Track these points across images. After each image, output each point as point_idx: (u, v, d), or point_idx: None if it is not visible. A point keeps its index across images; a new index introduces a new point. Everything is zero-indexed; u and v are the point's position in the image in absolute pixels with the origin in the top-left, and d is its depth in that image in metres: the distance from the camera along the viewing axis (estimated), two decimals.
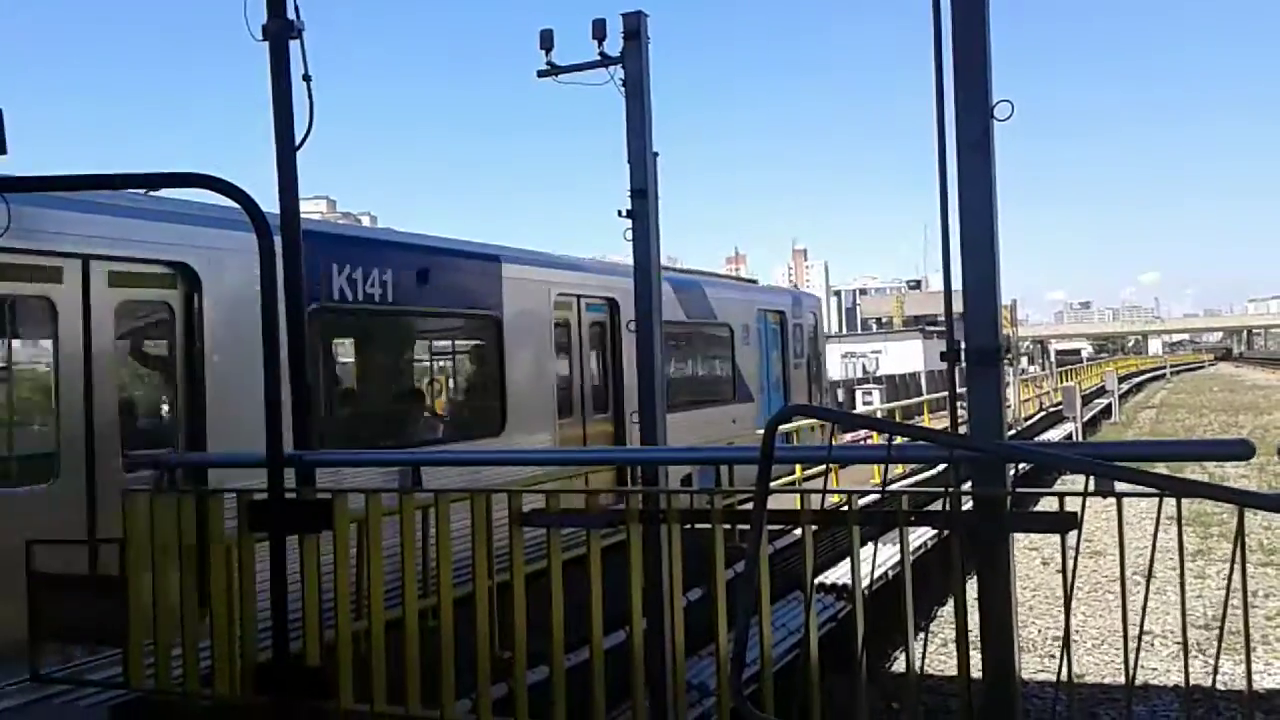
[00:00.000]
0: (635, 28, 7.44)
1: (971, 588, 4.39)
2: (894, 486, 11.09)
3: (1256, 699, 7.86)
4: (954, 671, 8.64)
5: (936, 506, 5.19)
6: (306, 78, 6.09)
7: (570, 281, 11.99)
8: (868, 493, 4.95)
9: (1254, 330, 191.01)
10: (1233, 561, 3.55)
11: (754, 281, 24.60)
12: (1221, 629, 3.64)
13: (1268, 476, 20.38)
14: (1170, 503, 3.68)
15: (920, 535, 11.52)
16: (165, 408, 7.72)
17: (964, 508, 4.34)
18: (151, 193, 7.29)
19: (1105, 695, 10.76)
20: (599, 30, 7.60)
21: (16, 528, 5.80)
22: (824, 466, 5.29)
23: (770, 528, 5.15)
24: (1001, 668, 4.28)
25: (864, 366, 59.19)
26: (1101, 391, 47.66)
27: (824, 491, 4.57)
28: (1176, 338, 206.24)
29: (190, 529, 5.45)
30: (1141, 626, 4.00)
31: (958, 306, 4.78)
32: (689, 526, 5.01)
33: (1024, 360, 61.44)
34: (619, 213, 7.73)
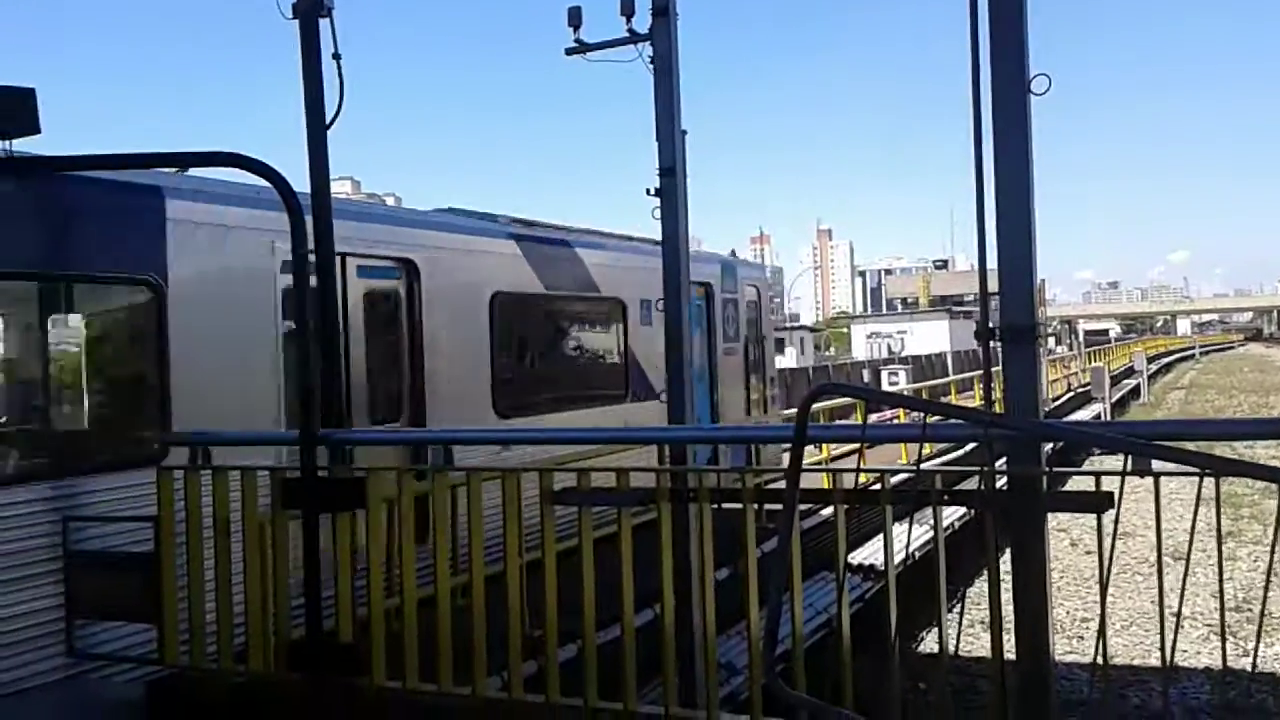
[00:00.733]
0: (664, 4, 7.38)
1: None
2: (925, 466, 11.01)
3: None
4: (980, 653, 8.60)
5: (968, 485, 5.16)
6: (336, 56, 6.07)
7: None
8: (899, 471, 4.91)
9: None
10: (1274, 544, 3.50)
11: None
12: (1262, 612, 3.60)
13: None
14: (1205, 483, 3.63)
15: (948, 515, 11.47)
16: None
17: (998, 487, 4.31)
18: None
19: (1135, 677, 10.70)
20: (628, 7, 7.55)
21: None
22: (853, 446, 5.26)
23: (801, 507, 5.13)
24: (1036, 649, 4.25)
25: (889, 347, 58.91)
26: (1130, 372, 47.30)
27: (857, 470, 4.54)
28: (1206, 318, 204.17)
29: (224, 506, 5.50)
30: (1180, 608, 3.96)
31: (991, 285, 4.73)
32: (718, 506, 5.01)
33: (1051, 341, 60.99)
34: (647, 191, 7.70)
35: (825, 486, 7.81)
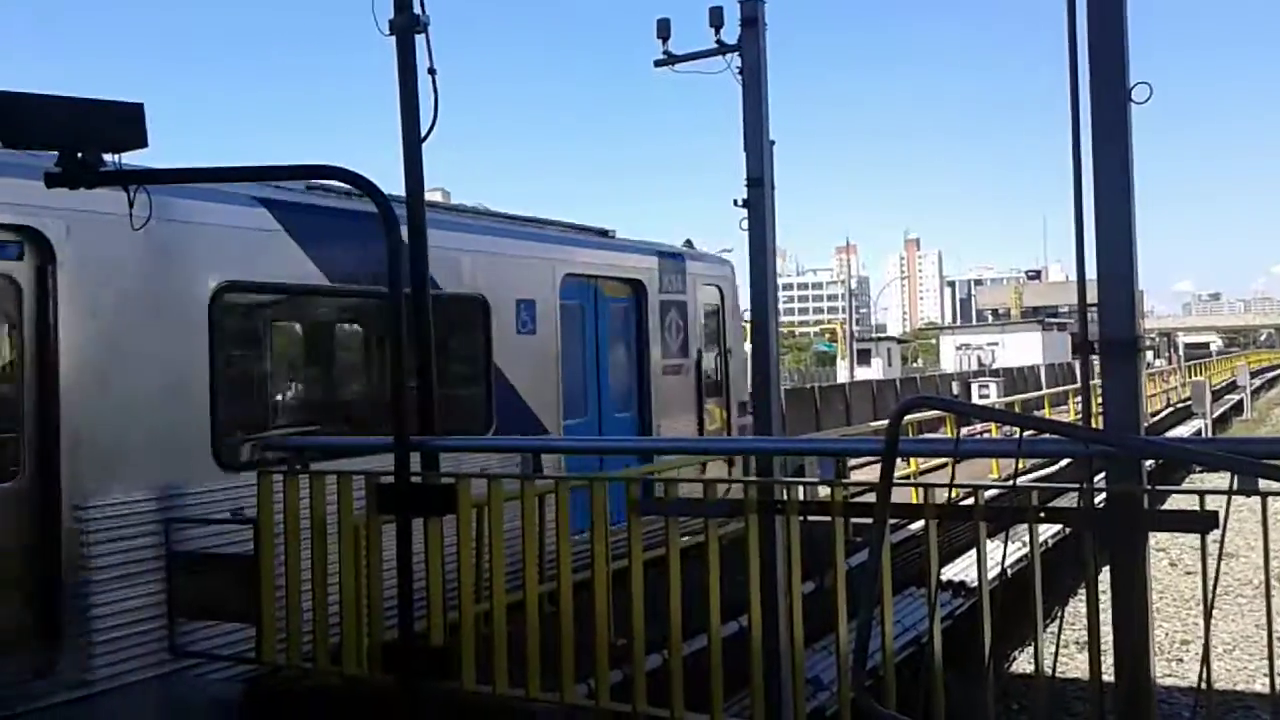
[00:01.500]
0: (753, 15, 7.41)
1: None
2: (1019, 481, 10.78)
3: None
4: (1074, 674, 8.37)
5: (1063, 502, 5.04)
6: (431, 71, 6.22)
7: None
8: (992, 487, 4.82)
9: None
10: None
11: (593, 230, 10.85)
12: None
13: None
14: None
15: (1042, 532, 11.20)
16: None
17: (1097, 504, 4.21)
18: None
19: (1240, 703, 10.32)
20: (716, 18, 7.59)
21: None
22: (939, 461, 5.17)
23: (890, 521, 5.06)
24: (1136, 671, 4.14)
25: (980, 359, 57.70)
26: (1232, 387, 45.69)
27: (950, 485, 4.47)
28: None
29: (321, 510, 5.63)
30: None
31: (1090, 297, 4.62)
32: (805, 519, 4.97)
33: (1149, 354, 59.15)
34: (735, 202, 7.70)
35: (914, 501, 7.70)
